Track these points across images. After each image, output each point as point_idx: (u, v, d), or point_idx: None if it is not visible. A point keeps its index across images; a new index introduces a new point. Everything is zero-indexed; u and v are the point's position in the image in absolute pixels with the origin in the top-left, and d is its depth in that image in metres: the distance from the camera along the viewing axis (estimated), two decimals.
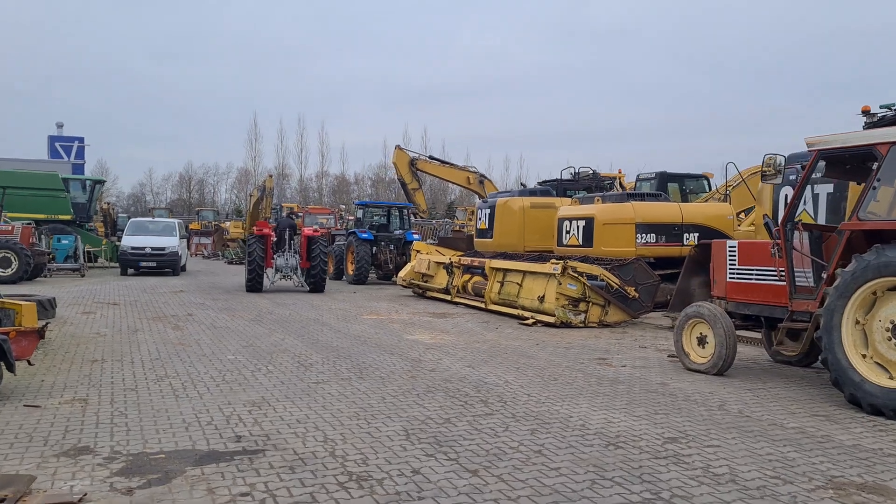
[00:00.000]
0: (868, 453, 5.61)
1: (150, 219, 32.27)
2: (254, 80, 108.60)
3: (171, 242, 26.04)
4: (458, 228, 37.92)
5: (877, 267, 6.81)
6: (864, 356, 6.98)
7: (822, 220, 11.11)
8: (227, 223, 48.42)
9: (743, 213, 18.91)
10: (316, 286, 19.99)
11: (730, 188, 17.41)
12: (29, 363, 7.43)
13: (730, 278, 9.20)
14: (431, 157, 34.64)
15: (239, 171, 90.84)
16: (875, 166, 7.18)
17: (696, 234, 16.04)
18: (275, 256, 20.21)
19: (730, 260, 9.22)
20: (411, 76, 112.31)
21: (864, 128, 7.66)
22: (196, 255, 43.54)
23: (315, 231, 21.06)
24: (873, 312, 6.97)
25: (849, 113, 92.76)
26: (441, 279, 18.17)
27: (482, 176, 35.00)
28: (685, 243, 15.98)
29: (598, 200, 16.50)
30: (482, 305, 15.68)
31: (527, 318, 13.57)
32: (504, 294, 14.96)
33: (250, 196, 47.43)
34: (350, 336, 11.57)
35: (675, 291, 14.71)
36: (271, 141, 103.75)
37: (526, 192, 20.06)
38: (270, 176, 43.91)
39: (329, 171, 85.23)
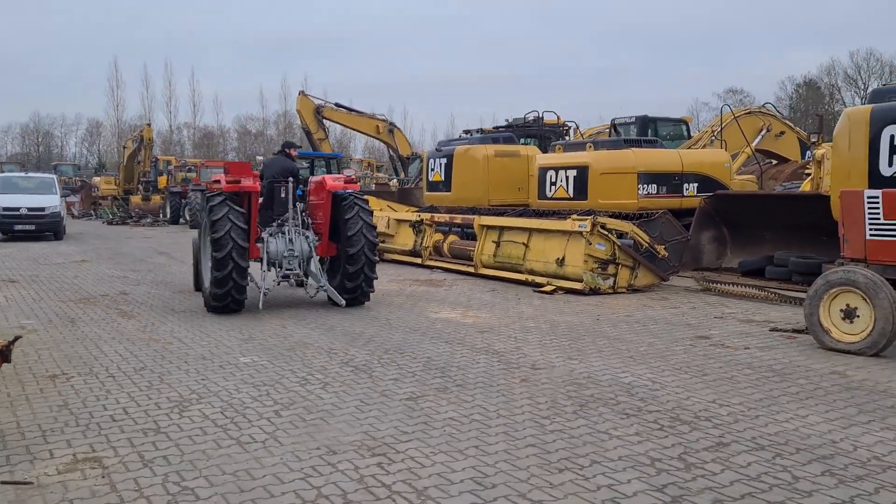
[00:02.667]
0: None
1: (23, 174, 27.58)
2: (104, 26, 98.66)
3: (52, 202, 22.06)
4: (382, 181, 35.19)
5: None
6: None
7: (893, 170, 9.62)
8: (97, 179, 43.26)
9: None
10: (356, 294, 9.93)
11: (716, 132, 16.00)
12: None
13: (871, 236, 7.53)
14: (338, 105, 31.78)
15: (90, 122, 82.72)
16: None
17: (696, 185, 14.60)
18: (264, 234, 9.86)
19: (870, 214, 7.54)
20: (274, 25, 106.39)
21: None
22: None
23: (349, 182, 10.16)
24: None
25: (695, 72, 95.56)
26: (405, 239, 15.83)
27: (392, 124, 32.57)
28: (685, 194, 14.52)
29: (589, 147, 14.65)
30: (470, 270, 13.53)
31: (544, 285, 11.57)
32: (502, 256, 12.86)
33: (124, 147, 42.61)
34: (363, 317, 9.18)
35: (686, 248, 13.28)
36: (135, 89, 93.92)
37: (487, 138, 17.91)
38: (149, 125, 39.51)
39: (202, 122, 78.85)
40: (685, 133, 17.88)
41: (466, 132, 22.92)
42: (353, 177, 10.46)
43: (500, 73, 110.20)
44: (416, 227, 15.47)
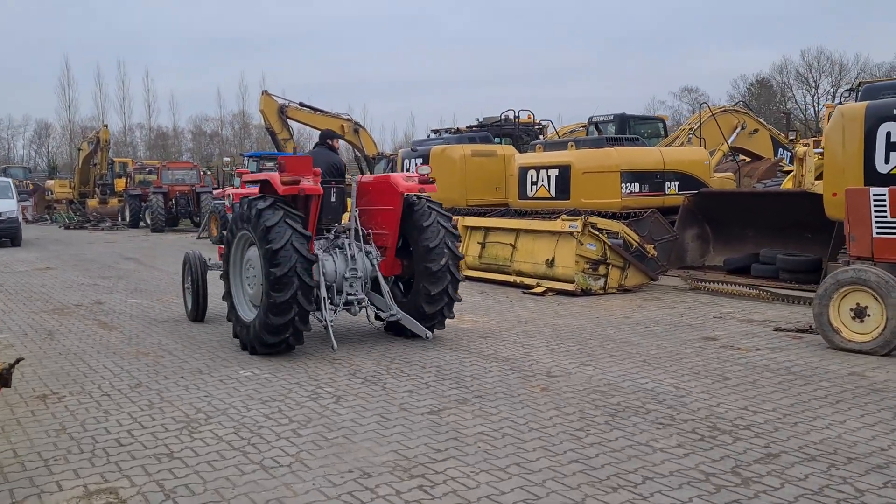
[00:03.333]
0: None
1: None
2: (53, 24, 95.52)
3: (9, 206, 21.18)
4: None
5: None
6: None
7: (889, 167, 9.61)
8: (51, 182, 41.93)
9: None
10: (434, 321, 7.92)
11: (693, 130, 16.00)
12: None
13: (878, 234, 7.47)
14: (302, 104, 31.24)
15: (38, 123, 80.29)
16: None
17: (677, 183, 14.55)
18: (318, 253, 7.51)
19: (877, 211, 7.47)
20: (231, 23, 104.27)
21: None
22: None
23: (424, 183, 7.91)
24: None
25: (638, 68, 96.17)
26: None
27: (357, 124, 32.06)
28: (667, 192, 14.45)
29: (571, 146, 14.50)
30: None
31: (533, 287, 11.37)
32: (489, 257, 12.64)
33: (79, 150, 41.35)
34: (357, 323, 8.84)
35: (674, 247, 13.21)
36: (87, 89, 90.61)
37: (463, 138, 17.68)
38: (105, 126, 38.33)
39: (157, 123, 76.90)
40: (662, 131, 17.88)
41: (435, 131, 22.65)
42: (428, 176, 7.99)
43: (457, 72, 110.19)
44: None
